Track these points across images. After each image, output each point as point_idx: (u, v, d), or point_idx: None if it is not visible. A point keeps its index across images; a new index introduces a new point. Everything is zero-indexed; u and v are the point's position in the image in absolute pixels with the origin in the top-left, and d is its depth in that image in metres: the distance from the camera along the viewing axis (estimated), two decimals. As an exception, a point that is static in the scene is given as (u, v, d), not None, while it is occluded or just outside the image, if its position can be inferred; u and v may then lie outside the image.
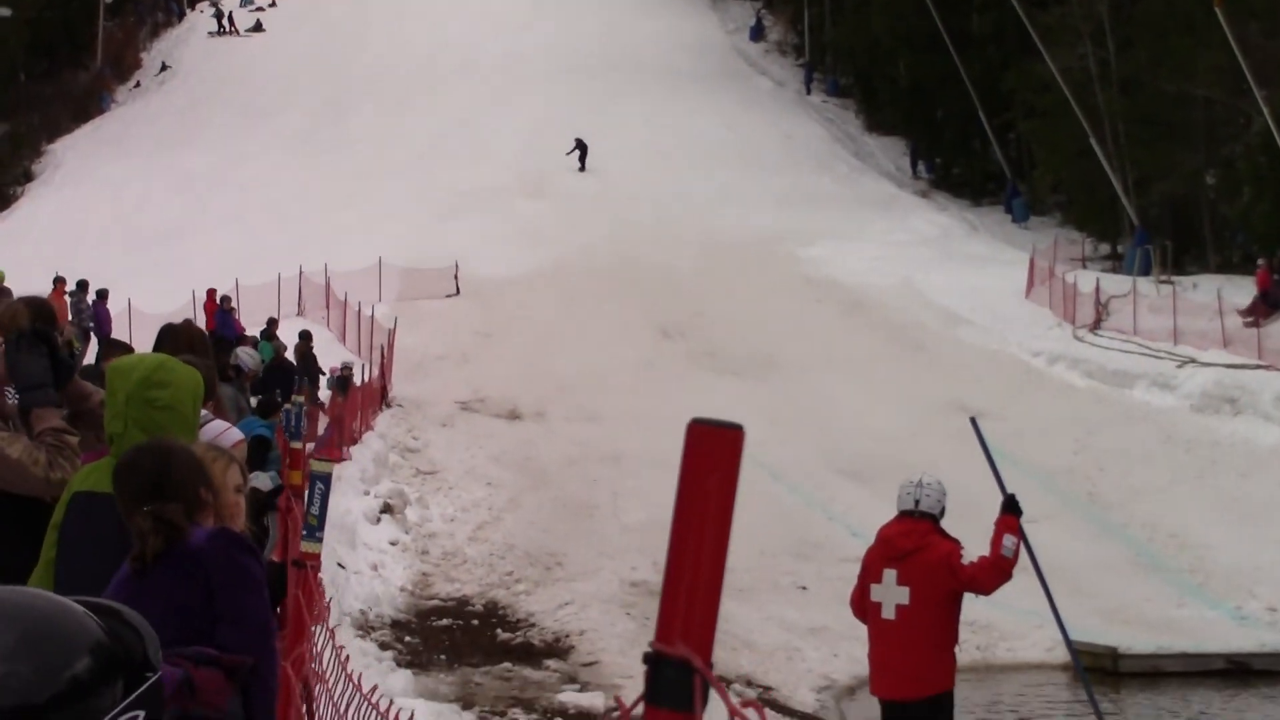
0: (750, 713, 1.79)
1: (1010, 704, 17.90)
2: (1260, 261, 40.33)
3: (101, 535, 5.28)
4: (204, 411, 6.90)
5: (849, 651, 16.92)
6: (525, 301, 43.74)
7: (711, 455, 1.84)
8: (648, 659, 1.86)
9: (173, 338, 8.93)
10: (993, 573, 10.74)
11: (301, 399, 12.00)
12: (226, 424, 7.18)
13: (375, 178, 59.00)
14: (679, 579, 1.83)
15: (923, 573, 10.77)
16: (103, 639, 1.96)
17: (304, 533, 5.38)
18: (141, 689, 1.96)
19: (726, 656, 17.62)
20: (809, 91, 76.95)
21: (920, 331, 41.88)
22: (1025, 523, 11.16)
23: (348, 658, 5.13)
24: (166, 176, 60.08)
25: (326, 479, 5.44)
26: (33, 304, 8.18)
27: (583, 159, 62.38)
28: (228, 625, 4.85)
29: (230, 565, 4.89)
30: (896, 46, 66.80)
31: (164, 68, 78.50)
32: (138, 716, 1.94)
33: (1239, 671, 19.22)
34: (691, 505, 1.82)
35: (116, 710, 1.94)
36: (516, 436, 30.06)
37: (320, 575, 6.57)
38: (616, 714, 2.13)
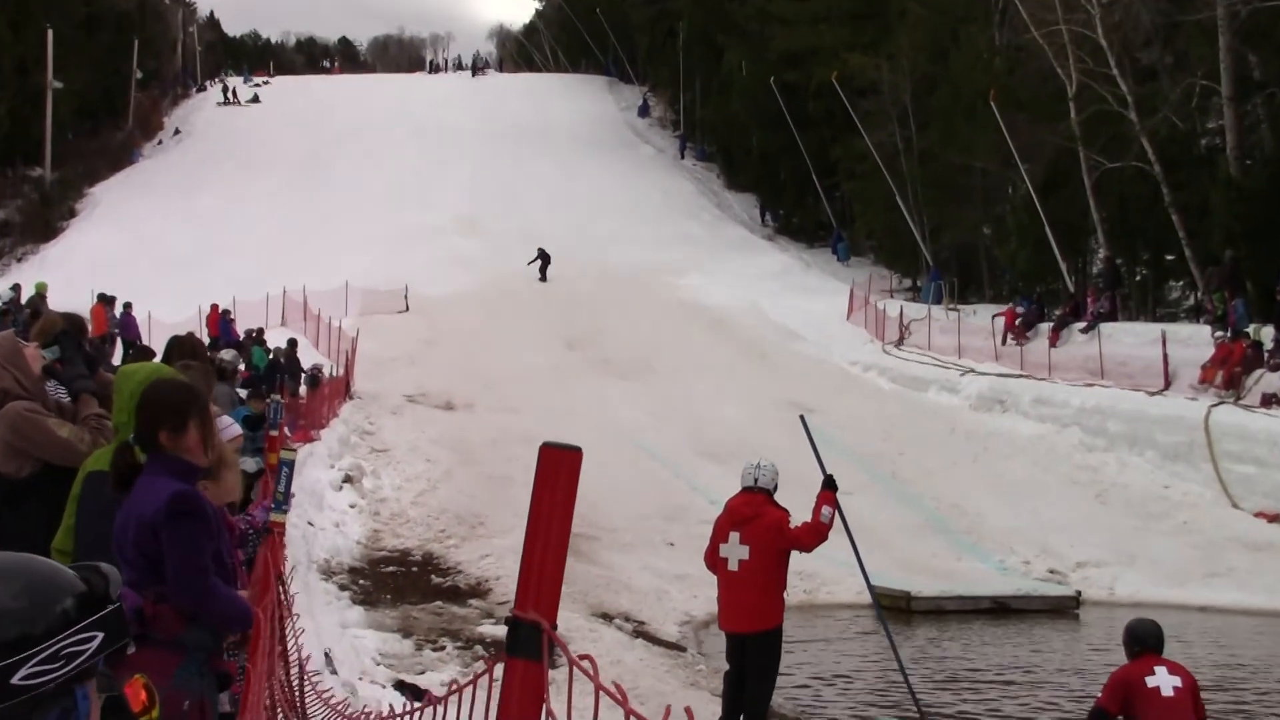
0: (585, 664, 1.82)
1: (826, 634, 18.01)
2: (1010, 304, 40.86)
3: (109, 507, 5.21)
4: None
5: (705, 594, 16.92)
6: (460, 317, 43.50)
7: (557, 470, 1.85)
8: (508, 622, 1.89)
9: (178, 346, 8.84)
10: (812, 535, 10.82)
11: (279, 396, 11.93)
12: (229, 420, 7.05)
13: (343, 217, 58.47)
14: (531, 563, 1.85)
15: (759, 535, 10.83)
16: (81, 586, 2.03)
17: (272, 506, 5.33)
18: (98, 615, 2.02)
19: (610, 597, 17.62)
20: (683, 156, 76.95)
21: (765, 345, 42.05)
22: (842, 495, 11.25)
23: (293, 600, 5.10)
24: (181, 215, 59.23)
25: (291, 464, 5.39)
26: (68, 317, 8.07)
27: (544, 269, 51.90)
28: (170, 575, 4.77)
29: (172, 530, 4.78)
30: (750, 123, 66.94)
31: (177, 132, 77.47)
32: (96, 636, 2.00)
33: (1001, 609, 19.49)
34: (541, 507, 1.84)
35: (77, 628, 1.99)
36: (451, 423, 29.89)
37: (285, 539, 6.53)
38: (484, 672, 2.13)
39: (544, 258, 52.04)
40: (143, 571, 4.74)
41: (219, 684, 4.90)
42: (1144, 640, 9.50)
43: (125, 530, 4.85)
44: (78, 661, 1.98)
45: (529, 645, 1.86)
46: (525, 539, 1.90)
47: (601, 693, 1.86)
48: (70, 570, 2.04)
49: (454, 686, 2.30)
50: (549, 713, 1.88)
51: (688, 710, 1.63)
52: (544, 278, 51.28)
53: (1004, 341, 38.39)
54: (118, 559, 4.81)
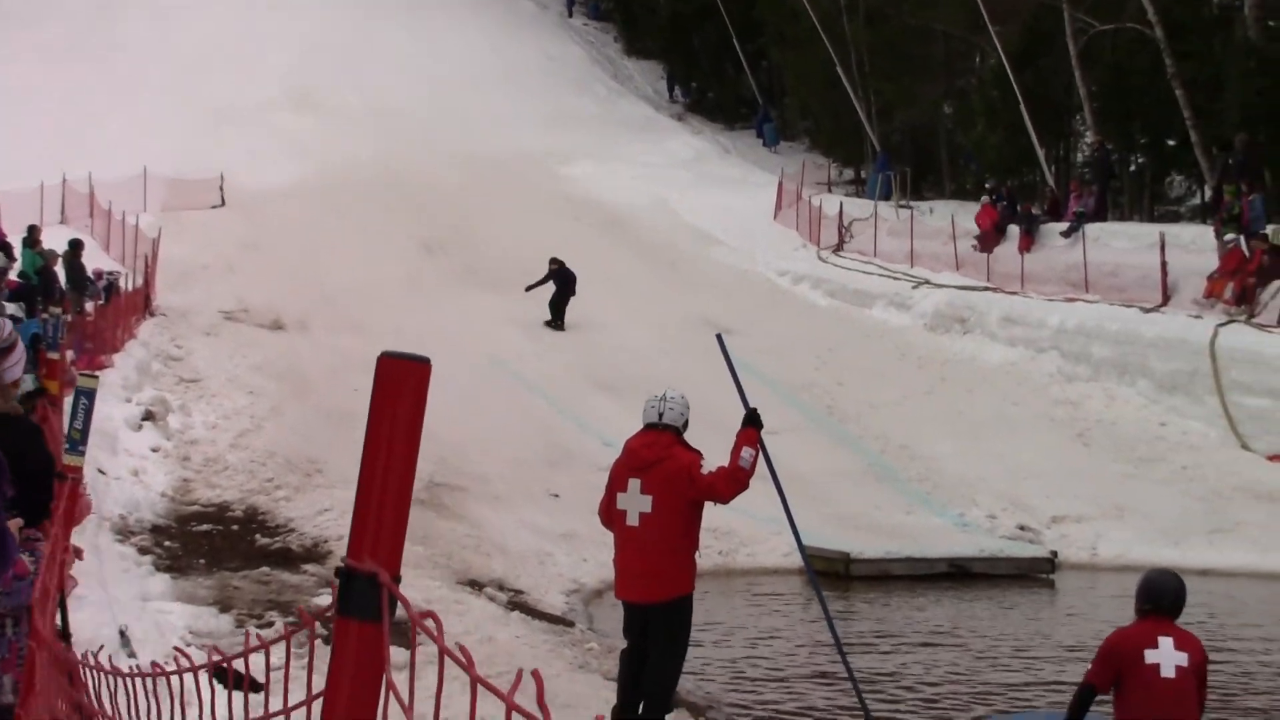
0: (429, 622, 1.82)
1: (746, 604, 18.20)
2: (984, 198, 41.01)
3: None
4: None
5: (597, 556, 17.06)
6: (291, 214, 43.12)
7: (400, 386, 1.85)
8: (339, 573, 1.89)
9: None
10: (729, 482, 10.88)
11: (60, 311, 11.72)
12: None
13: (140, 88, 57.54)
14: (368, 500, 1.85)
15: (664, 482, 10.88)
16: None
17: (65, 446, 5.25)
18: None
19: (480, 561, 17.69)
20: (570, 14, 76.64)
21: (673, 250, 42.14)
22: (768, 435, 11.32)
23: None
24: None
25: (91, 394, 5.29)
26: None
27: (560, 306, 34.26)
28: None
29: None
30: (655, -28, 66.90)
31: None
32: None
33: (960, 574, 19.81)
34: (380, 432, 1.85)
35: None
36: (279, 346, 29.71)
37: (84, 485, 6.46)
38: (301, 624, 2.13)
39: (562, 279, 34.91)
40: None
41: None
42: (1158, 599, 9.53)
43: None
44: None
45: (364, 602, 1.86)
46: (361, 471, 1.89)
47: (478, 676, 1.86)
48: None
49: (262, 645, 2.29)
50: (390, 684, 1.87)
51: (535, 674, 1.63)
52: (559, 321, 34.12)
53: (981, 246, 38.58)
54: None
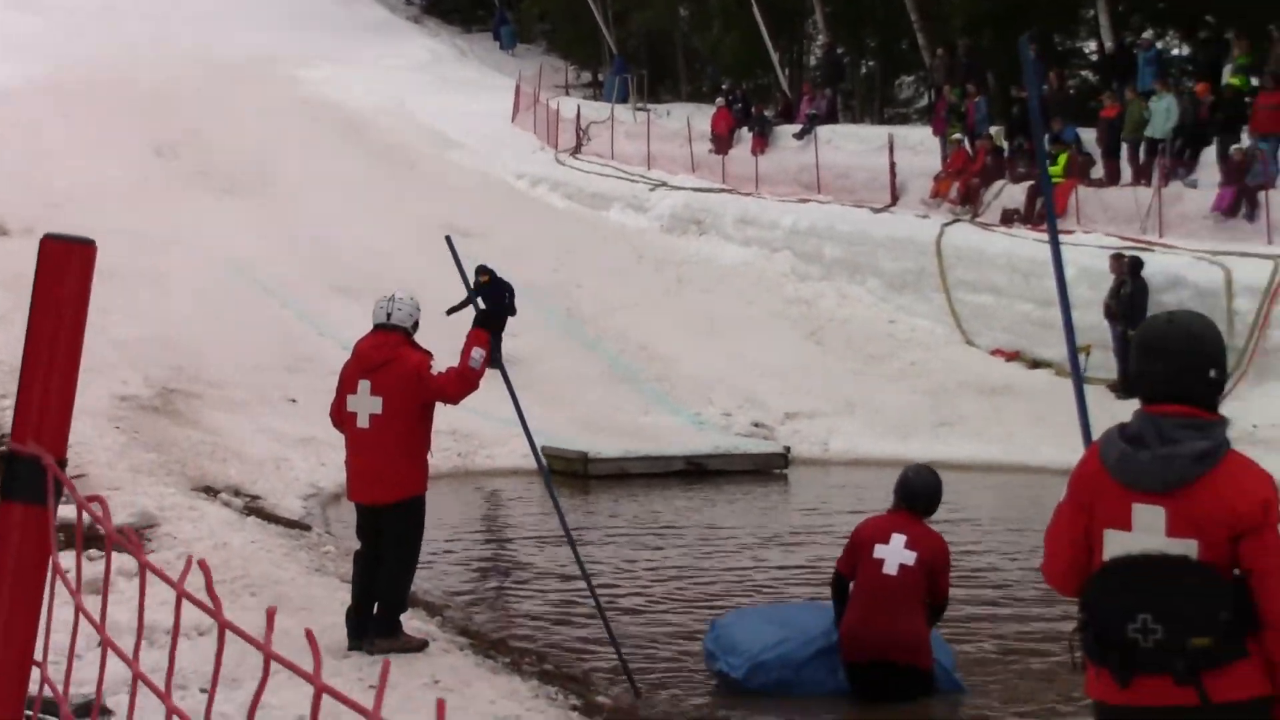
0: (96, 506, 1.82)
1: (483, 505, 18.30)
2: (719, 101, 41.15)
3: None
4: None
5: (335, 460, 16.90)
6: (12, 118, 41.70)
7: (63, 268, 1.84)
8: (2, 457, 1.89)
9: None
10: (459, 383, 10.88)
11: None
12: None
13: None
14: (31, 384, 1.84)
15: (394, 383, 10.85)
16: None
17: None
18: None
19: (216, 468, 17.46)
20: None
21: (412, 152, 41.83)
22: (508, 337, 11.36)
23: None
24: None
25: None
26: None
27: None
28: None
29: None
30: None
31: None
32: None
33: (696, 471, 20.15)
34: (44, 315, 1.83)
35: None
36: (3, 252, 28.80)
37: None
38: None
39: (494, 295, 22.77)
40: None
41: None
42: (908, 496, 9.80)
43: None
44: None
45: (28, 485, 1.85)
46: (24, 355, 1.88)
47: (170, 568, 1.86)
48: None
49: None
50: (56, 567, 1.87)
51: (202, 564, 1.64)
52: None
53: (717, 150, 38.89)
54: None
